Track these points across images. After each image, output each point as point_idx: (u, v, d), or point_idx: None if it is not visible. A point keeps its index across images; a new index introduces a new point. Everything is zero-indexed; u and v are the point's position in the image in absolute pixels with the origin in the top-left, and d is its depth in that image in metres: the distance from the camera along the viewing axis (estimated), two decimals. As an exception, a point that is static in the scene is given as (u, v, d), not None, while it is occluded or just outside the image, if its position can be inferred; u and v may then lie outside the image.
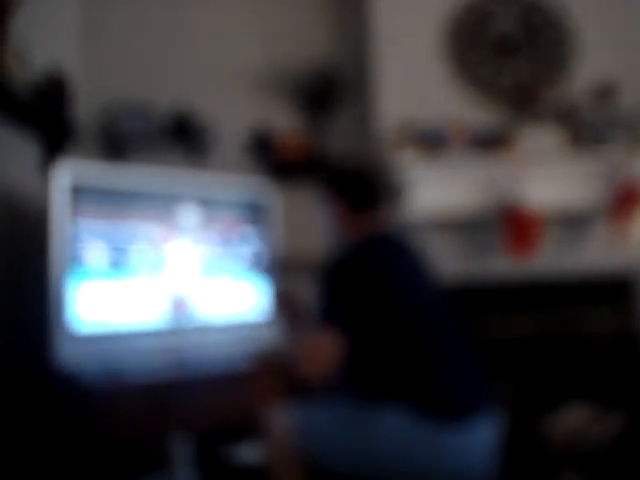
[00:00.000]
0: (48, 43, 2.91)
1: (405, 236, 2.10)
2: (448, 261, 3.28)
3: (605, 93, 3.45)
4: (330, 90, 3.62)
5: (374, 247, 2.00)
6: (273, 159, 3.54)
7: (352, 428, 1.89)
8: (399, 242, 2.06)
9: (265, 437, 2.04)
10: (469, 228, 3.42)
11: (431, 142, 3.35)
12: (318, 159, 3.59)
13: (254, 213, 2.87)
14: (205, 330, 2.68)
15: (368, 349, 1.93)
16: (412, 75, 3.49)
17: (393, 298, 1.91)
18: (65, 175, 2.28)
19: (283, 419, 1.99)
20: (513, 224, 3.26)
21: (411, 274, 2.01)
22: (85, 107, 3.23)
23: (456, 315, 2.06)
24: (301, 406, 2.02)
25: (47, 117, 2.70)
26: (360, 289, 1.90)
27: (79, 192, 2.32)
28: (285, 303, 2.25)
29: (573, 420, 3.10)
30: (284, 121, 3.60)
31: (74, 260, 2.29)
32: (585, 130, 3.42)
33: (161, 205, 2.58)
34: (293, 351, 2.07)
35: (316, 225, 2.36)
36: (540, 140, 3.38)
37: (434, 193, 3.23)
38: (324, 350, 1.85)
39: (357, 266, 1.93)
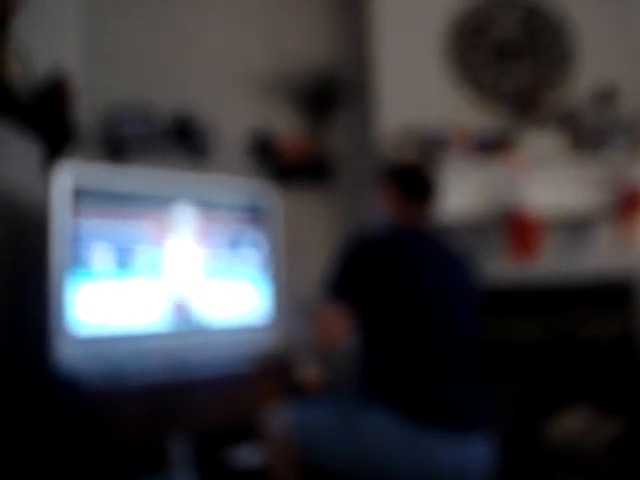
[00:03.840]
0: (50, 45, 2.92)
1: (444, 235, 2.12)
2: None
3: (606, 97, 3.45)
4: (331, 93, 3.62)
5: (406, 238, 2.02)
6: (274, 162, 3.54)
7: (347, 430, 1.89)
8: (435, 240, 2.07)
9: (264, 439, 2.04)
10: (470, 232, 3.41)
11: (433, 146, 3.35)
12: (319, 162, 3.60)
13: (255, 215, 2.87)
14: (206, 332, 2.67)
15: (375, 345, 1.93)
16: (414, 78, 3.50)
17: (405, 293, 1.90)
18: (66, 177, 2.29)
19: (282, 421, 1.99)
20: (515, 228, 3.25)
21: (435, 273, 2.00)
22: (87, 109, 3.24)
23: (481, 323, 2.05)
24: (299, 408, 2.03)
25: (48, 119, 2.70)
26: (373, 275, 1.90)
27: (80, 194, 2.32)
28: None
29: (573, 423, 3.09)
30: (285, 124, 3.61)
31: (75, 262, 2.29)
32: (587, 134, 3.42)
33: (162, 207, 2.58)
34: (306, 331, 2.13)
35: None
36: (542, 144, 3.38)
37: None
38: (334, 323, 1.92)
39: (381, 251, 1.95)
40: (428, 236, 2.07)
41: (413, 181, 2.15)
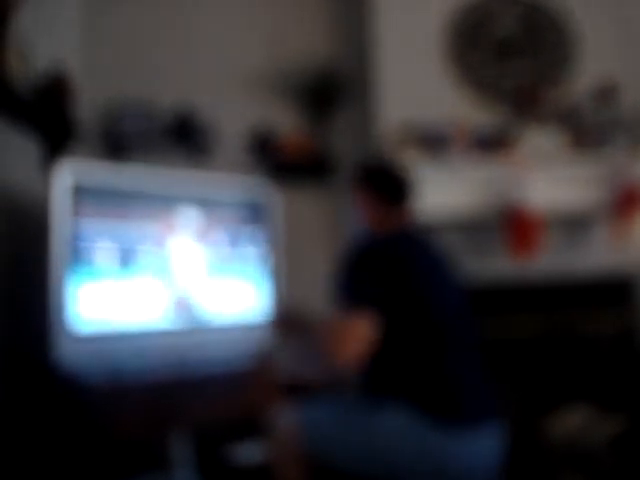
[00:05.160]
0: (50, 43, 2.91)
1: (427, 235, 2.11)
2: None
3: (606, 94, 3.45)
4: (332, 90, 3.62)
5: (400, 241, 2.01)
6: (275, 159, 3.54)
7: (354, 427, 1.89)
8: (423, 240, 2.07)
9: (269, 436, 2.04)
10: (470, 229, 3.42)
11: (433, 143, 3.35)
12: (319, 160, 3.59)
13: (255, 213, 2.87)
14: (207, 330, 2.67)
15: (385, 344, 1.93)
16: (414, 76, 3.49)
17: (412, 294, 1.90)
18: (66, 175, 2.28)
19: (287, 418, 1.99)
20: (514, 225, 3.26)
21: (433, 273, 2.00)
22: (87, 107, 3.23)
23: (474, 319, 2.05)
24: (305, 405, 2.02)
25: (49, 117, 2.70)
26: (381, 279, 1.90)
27: (80, 192, 2.32)
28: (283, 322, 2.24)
29: (573, 421, 3.10)
30: (286, 121, 3.61)
31: (75, 260, 2.29)
32: (587, 132, 3.42)
33: (162, 205, 2.57)
34: (313, 344, 2.06)
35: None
36: (542, 142, 3.38)
37: (436, 194, 3.22)
38: (358, 333, 1.83)
39: (382, 256, 1.94)
40: (414, 237, 2.07)
41: (388, 183, 2.13)
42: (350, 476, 1.89)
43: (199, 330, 2.64)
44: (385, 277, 1.89)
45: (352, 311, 1.86)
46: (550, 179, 3.31)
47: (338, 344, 1.84)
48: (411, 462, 1.82)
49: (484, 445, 1.84)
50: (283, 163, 3.54)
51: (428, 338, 1.89)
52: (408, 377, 1.89)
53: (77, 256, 2.29)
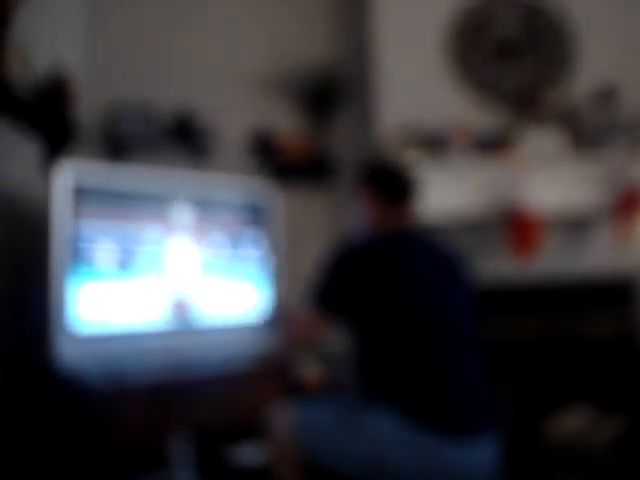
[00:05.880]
0: (51, 44, 2.92)
1: (431, 235, 2.11)
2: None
3: (606, 95, 3.45)
4: (332, 92, 3.62)
5: (397, 240, 2.01)
6: (275, 161, 3.54)
7: (351, 430, 1.89)
8: (424, 239, 2.06)
9: (267, 437, 2.04)
10: (471, 230, 3.41)
11: (433, 144, 3.35)
12: (320, 161, 3.59)
13: (256, 215, 2.87)
14: (206, 331, 2.67)
15: (375, 347, 1.93)
16: (414, 77, 3.50)
17: (404, 295, 1.90)
18: (67, 176, 2.29)
19: (285, 420, 1.99)
20: (515, 226, 3.26)
21: (430, 273, 1.99)
22: (87, 108, 3.24)
23: (479, 321, 2.05)
24: (303, 407, 2.02)
25: (49, 118, 2.70)
26: (372, 280, 1.89)
27: (81, 193, 2.32)
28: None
29: (574, 422, 3.09)
30: (286, 123, 3.61)
31: (75, 260, 2.29)
32: (587, 133, 3.42)
33: (163, 206, 2.58)
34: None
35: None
36: (542, 143, 3.38)
37: (436, 195, 3.22)
38: (301, 327, 2.05)
39: (375, 257, 1.94)
40: (415, 236, 2.06)
41: (391, 182, 2.13)
42: (346, 478, 1.88)
43: (198, 331, 2.65)
44: (371, 279, 1.89)
45: (312, 312, 1.98)
46: (550, 180, 3.31)
47: (282, 335, 2.19)
48: (404, 467, 1.81)
49: (479, 451, 1.81)
50: (284, 165, 3.54)
51: (418, 340, 1.87)
52: (398, 380, 1.87)
53: (77, 257, 2.30)
